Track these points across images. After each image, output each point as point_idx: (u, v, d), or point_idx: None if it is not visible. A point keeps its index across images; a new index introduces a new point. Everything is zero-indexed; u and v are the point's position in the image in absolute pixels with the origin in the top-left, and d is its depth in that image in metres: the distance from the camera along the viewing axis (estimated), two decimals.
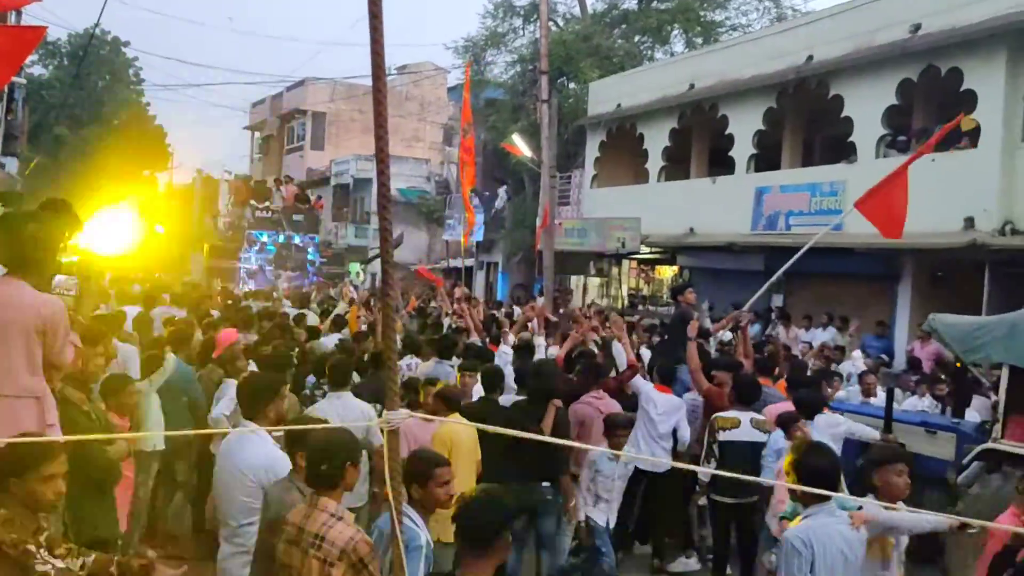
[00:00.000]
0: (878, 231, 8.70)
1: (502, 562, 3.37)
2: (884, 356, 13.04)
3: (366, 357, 8.15)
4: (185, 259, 29.51)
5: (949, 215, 12.68)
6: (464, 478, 5.35)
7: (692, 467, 6.76)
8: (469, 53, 27.35)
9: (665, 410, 7.40)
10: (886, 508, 4.22)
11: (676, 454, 7.57)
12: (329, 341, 9.78)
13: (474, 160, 16.54)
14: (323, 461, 3.56)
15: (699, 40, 25.49)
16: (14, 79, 22.83)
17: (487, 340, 9.98)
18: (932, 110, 14.94)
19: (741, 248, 16.82)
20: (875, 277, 15.01)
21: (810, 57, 15.73)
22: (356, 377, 7.11)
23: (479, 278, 28.19)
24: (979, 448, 6.64)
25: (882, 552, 4.48)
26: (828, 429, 6.70)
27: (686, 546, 7.74)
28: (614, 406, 7.10)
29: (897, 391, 9.67)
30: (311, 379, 7.73)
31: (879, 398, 8.75)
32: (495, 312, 15.45)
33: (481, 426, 4.52)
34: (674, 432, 7.49)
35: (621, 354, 8.45)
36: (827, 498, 4.02)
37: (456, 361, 8.03)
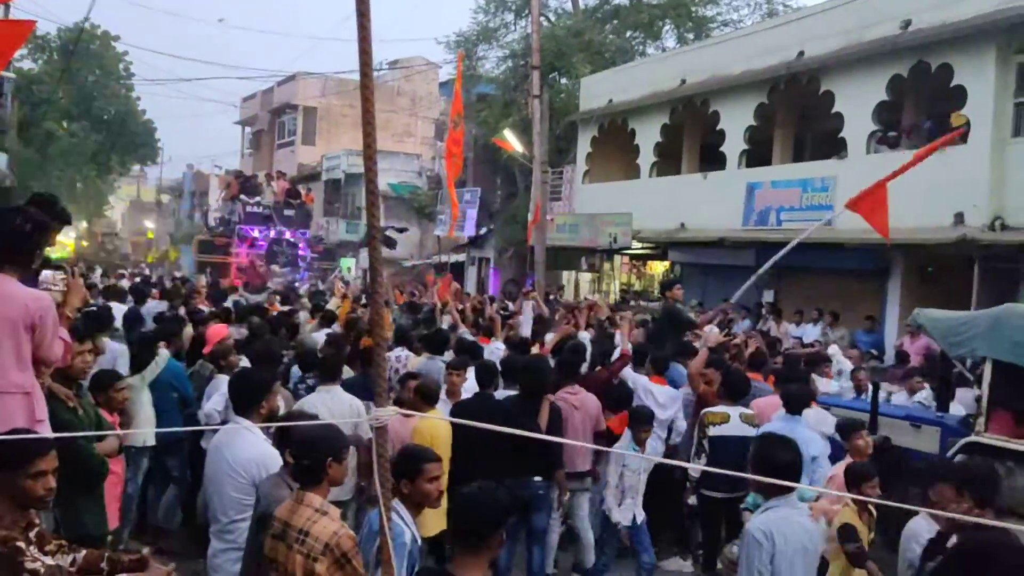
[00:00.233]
0: (869, 227, 8.81)
1: (495, 558, 3.38)
2: (874, 351, 13.10)
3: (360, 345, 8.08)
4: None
5: (939, 211, 12.73)
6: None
7: (683, 464, 6.79)
8: (461, 48, 27.31)
9: (663, 401, 7.43)
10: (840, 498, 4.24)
11: (668, 446, 7.60)
12: (319, 336, 9.76)
13: (462, 153, 16.48)
14: (306, 456, 3.58)
15: (691, 36, 25.50)
16: (3, 73, 22.76)
17: (477, 333, 10.00)
18: (922, 106, 15.01)
19: (732, 244, 16.85)
20: (865, 272, 15.06)
21: (801, 53, 15.74)
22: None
23: (471, 273, 28.19)
24: (962, 441, 6.68)
25: None
26: (818, 426, 6.74)
27: (679, 541, 7.75)
28: (590, 401, 7.05)
29: (895, 388, 9.73)
30: (296, 372, 7.66)
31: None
32: (482, 299, 15.42)
33: (469, 422, 4.52)
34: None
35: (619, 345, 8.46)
36: (789, 490, 4.09)
37: (449, 357, 8.02)
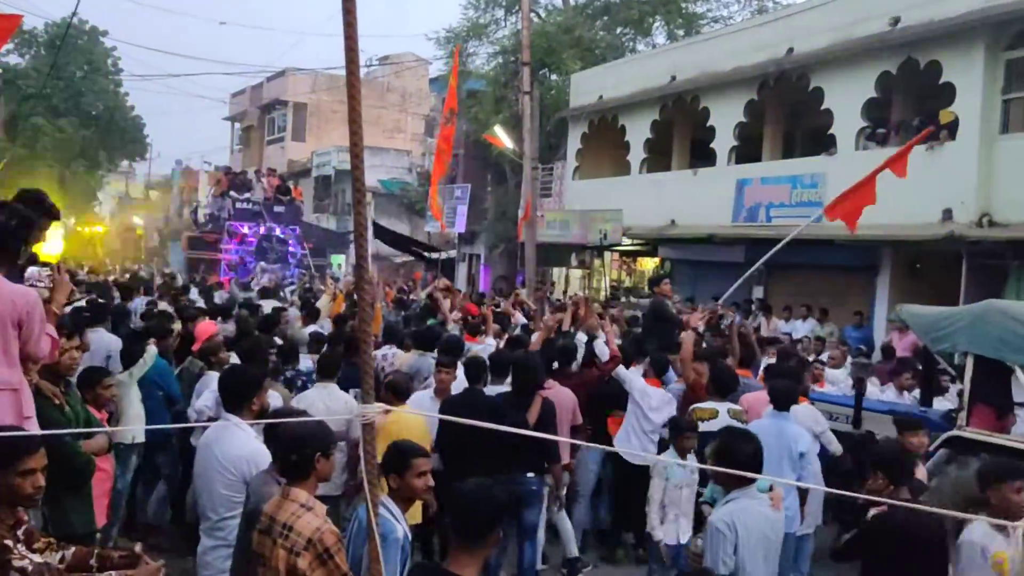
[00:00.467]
0: (858, 223, 8.89)
1: (490, 555, 3.38)
2: (863, 347, 13.14)
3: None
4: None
5: (927, 207, 12.80)
6: None
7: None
8: (451, 44, 27.25)
9: (659, 404, 7.39)
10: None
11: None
12: (305, 331, 9.76)
13: (451, 150, 16.44)
14: (293, 451, 3.59)
15: (681, 32, 25.52)
16: None
17: (463, 330, 9.98)
18: (911, 103, 15.06)
19: (722, 240, 16.89)
20: (854, 268, 15.12)
21: (791, 50, 15.79)
22: None
23: (461, 270, 28.17)
24: (944, 436, 6.72)
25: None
26: (807, 421, 6.75)
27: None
28: (565, 395, 7.00)
29: (881, 383, 9.75)
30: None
31: (868, 392, 8.77)
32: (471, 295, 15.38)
33: (455, 418, 4.53)
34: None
35: (603, 349, 8.40)
36: (749, 482, 4.20)
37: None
